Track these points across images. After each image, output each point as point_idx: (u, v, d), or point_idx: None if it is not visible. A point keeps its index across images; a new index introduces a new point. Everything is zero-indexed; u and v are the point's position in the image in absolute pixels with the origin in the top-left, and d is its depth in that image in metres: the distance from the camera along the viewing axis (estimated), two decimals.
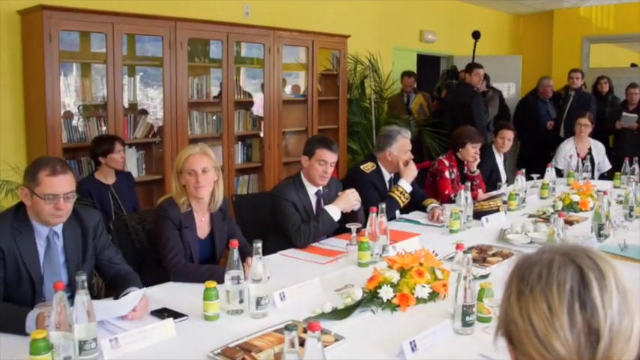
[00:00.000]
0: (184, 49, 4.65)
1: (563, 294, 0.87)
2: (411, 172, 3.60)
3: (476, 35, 6.83)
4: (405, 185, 3.55)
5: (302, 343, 1.38)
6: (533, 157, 6.65)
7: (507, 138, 4.78)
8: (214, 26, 4.85)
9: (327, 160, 3.08)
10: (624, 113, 6.59)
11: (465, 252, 1.84)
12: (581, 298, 0.86)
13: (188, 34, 4.67)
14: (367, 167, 3.67)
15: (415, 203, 3.81)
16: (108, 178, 4.04)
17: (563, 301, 0.86)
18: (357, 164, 3.80)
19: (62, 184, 2.10)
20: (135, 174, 4.59)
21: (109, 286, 2.45)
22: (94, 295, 2.64)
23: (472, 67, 6.12)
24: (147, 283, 2.46)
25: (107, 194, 4.01)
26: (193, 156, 2.58)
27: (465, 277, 1.80)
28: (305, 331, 1.41)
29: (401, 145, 3.64)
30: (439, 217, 3.50)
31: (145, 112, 4.84)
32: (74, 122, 4.40)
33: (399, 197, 3.51)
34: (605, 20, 9.11)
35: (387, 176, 3.72)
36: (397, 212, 3.75)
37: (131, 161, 4.67)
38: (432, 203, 3.72)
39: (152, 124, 4.80)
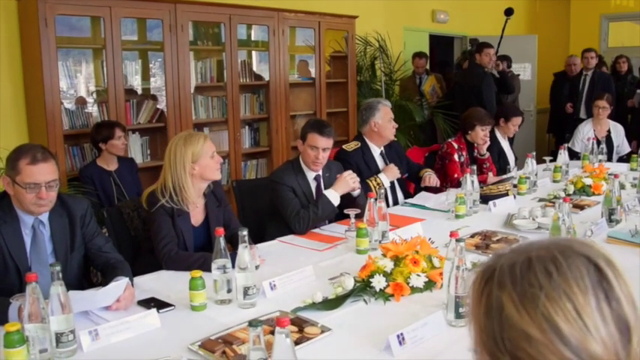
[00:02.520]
0: (186, 33, 4.55)
1: (585, 288, 0.75)
2: (392, 172, 3.56)
3: (508, 12, 6.50)
4: (384, 179, 3.53)
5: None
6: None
7: (518, 124, 4.65)
8: (216, 8, 4.72)
9: (319, 146, 2.98)
10: (639, 91, 6.40)
11: (458, 240, 1.74)
12: (603, 289, 0.76)
13: (189, 16, 4.56)
14: (350, 146, 3.61)
15: (414, 177, 3.86)
16: (110, 164, 4.01)
17: (587, 297, 0.75)
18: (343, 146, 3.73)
19: (43, 173, 2.05)
20: (139, 160, 4.54)
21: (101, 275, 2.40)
22: (96, 282, 2.59)
23: (482, 46, 5.93)
24: (142, 271, 2.42)
25: (109, 181, 3.98)
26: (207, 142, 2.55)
27: (458, 267, 1.70)
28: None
29: (384, 113, 3.60)
30: (430, 179, 3.60)
31: (154, 98, 4.78)
32: (76, 108, 4.35)
33: (375, 187, 3.42)
34: None
35: (377, 150, 3.66)
36: (401, 197, 3.68)
37: (135, 147, 4.62)
38: (426, 172, 3.75)
39: (158, 109, 4.73)
